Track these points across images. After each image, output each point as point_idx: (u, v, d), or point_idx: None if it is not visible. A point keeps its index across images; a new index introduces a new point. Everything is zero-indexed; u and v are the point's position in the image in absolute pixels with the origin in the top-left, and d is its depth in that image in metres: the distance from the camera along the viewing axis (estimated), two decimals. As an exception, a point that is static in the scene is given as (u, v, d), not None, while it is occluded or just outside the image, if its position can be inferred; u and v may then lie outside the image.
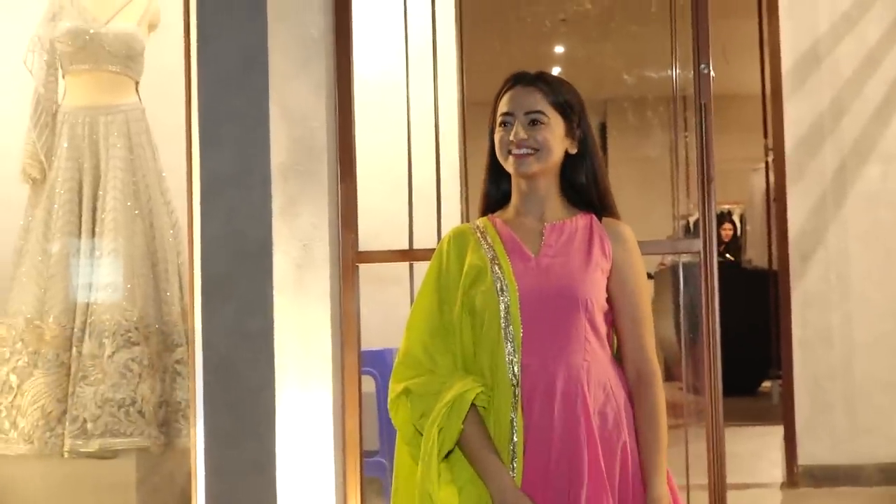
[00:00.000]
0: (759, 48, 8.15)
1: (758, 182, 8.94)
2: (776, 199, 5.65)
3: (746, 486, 4.98)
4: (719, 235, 9.44)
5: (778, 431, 5.91)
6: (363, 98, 4.41)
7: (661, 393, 2.42)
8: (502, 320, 2.35)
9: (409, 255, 4.25)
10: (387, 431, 4.83)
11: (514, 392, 2.31)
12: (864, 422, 5.24)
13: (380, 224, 4.46)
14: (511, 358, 2.33)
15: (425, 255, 4.20)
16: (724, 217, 9.57)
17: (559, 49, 10.44)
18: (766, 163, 9.06)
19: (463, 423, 2.28)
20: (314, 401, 4.14)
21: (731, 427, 4.00)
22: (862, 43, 5.33)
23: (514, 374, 2.32)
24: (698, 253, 3.86)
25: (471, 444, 2.31)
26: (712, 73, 3.98)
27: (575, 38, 9.85)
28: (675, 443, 3.81)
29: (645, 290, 2.48)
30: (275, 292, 3.98)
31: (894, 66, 5.33)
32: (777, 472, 5.51)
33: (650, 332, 2.46)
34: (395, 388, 2.41)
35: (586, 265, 2.40)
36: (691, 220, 9.69)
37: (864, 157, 5.33)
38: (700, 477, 4.00)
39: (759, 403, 8.62)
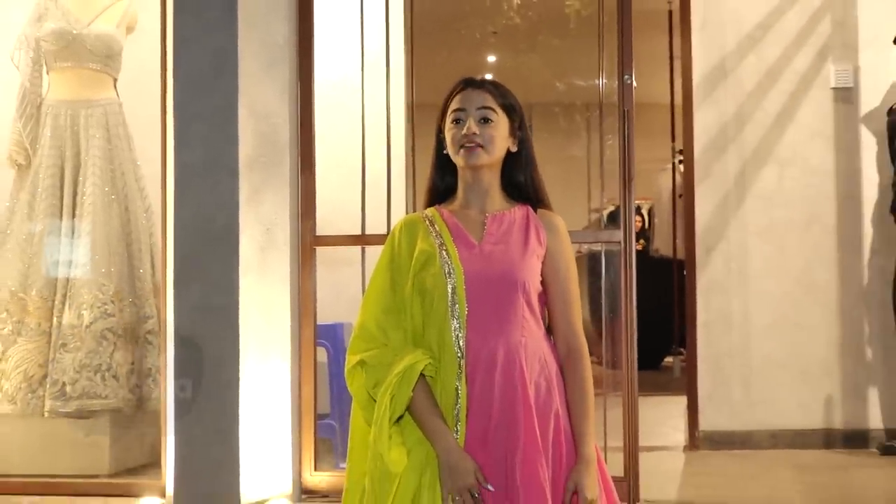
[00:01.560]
0: (668, 62, 8.57)
1: (665, 181, 9.29)
2: (684, 197, 6.01)
3: (652, 449, 5.28)
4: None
5: (679, 401, 6.29)
6: (322, 98, 4.64)
7: (588, 365, 2.56)
8: (449, 300, 2.49)
9: (362, 239, 4.51)
10: (337, 397, 5.06)
11: (459, 363, 2.45)
12: (757, 394, 5.56)
13: (335, 211, 4.70)
14: (457, 333, 2.47)
15: (376, 239, 4.48)
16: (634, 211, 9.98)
17: (492, 58, 10.78)
18: (673, 164, 9.51)
19: (412, 390, 2.42)
20: (274, 370, 4.39)
21: (638, 397, 4.36)
22: (763, 60, 5.64)
23: (459, 348, 2.46)
24: (619, 242, 4.22)
25: (419, 409, 2.44)
26: (634, 83, 4.32)
27: (506, 48, 10.18)
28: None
29: (574, 275, 2.62)
30: (240, 272, 4.24)
31: (790, 81, 5.63)
32: (680, 437, 5.84)
33: (578, 312, 2.61)
34: (351, 359, 2.54)
35: (524, 252, 2.54)
36: (604, 213, 10.09)
37: (762, 162, 5.62)
38: (615, 440, 4.37)
39: (661, 377, 9.02)
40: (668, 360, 9.56)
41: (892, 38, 5.35)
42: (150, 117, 4.83)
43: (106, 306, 4.97)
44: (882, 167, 5.59)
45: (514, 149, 2.64)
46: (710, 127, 5.68)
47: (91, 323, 4.93)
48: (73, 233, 5.07)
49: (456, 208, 2.64)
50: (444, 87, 2.67)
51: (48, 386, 4.89)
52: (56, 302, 5.00)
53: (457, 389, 2.46)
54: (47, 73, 5.25)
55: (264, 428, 4.35)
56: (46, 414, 4.89)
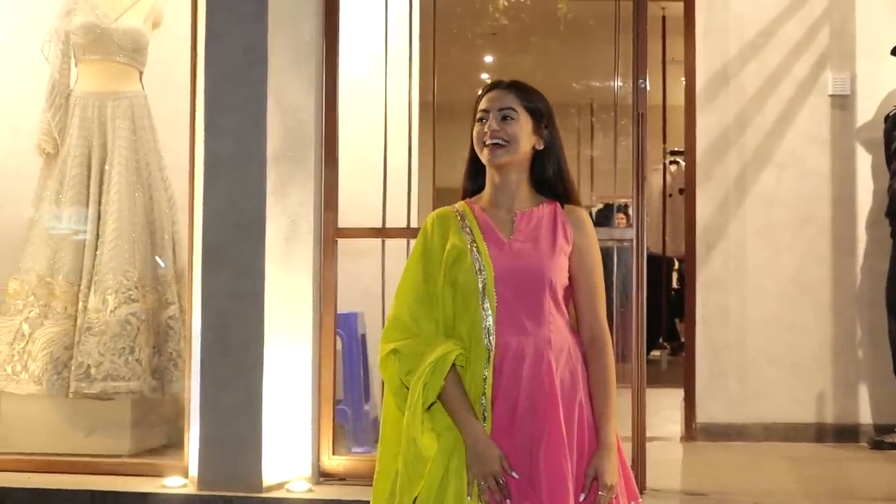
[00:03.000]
0: (660, 66, 8.65)
1: (656, 181, 9.37)
2: (686, 196, 6.04)
3: (650, 440, 5.31)
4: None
5: (668, 393, 6.32)
6: (345, 95, 4.65)
7: (611, 354, 2.58)
8: (480, 295, 2.51)
9: (383, 232, 4.51)
10: (349, 384, 5.07)
11: (489, 356, 2.48)
12: (752, 388, 5.59)
13: (352, 204, 4.70)
14: (487, 327, 2.50)
15: (396, 233, 4.54)
16: (620, 209, 9.95)
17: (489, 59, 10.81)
18: (664, 164, 9.57)
19: (444, 379, 2.45)
20: (296, 355, 4.39)
21: (627, 388, 4.34)
22: (764, 67, 5.67)
23: (489, 341, 2.49)
24: (631, 240, 4.26)
25: (450, 398, 2.47)
26: (648, 86, 4.35)
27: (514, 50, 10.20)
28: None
29: (599, 268, 2.64)
30: (266, 260, 4.27)
31: (790, 88, 5.67)
32: (675, 428, 5.84)
33: (602, 303, 2.62)
34: (384, 347, 2.56)
35: (552, 250, 2.56)
36: (594, 210, 10.17)
37: (761, 164, 5.66)
38: (621, 431, 4.40)
39: (650, 369, 8.98)
40: (655, 353, 9.60)
41: (890, 49, 5.39)
42: (174, 110, 4.85)
43: (130, 292, 4.97)
44: (877, 172, 5.63)
45: (539, 146, 2.65)
46: (712, 130, 5.71)
47: (115, 308, 4.92)
48: (98, 220, 5.05)
49: (485, 205, 2.66)
50: (457, 85, 2.71)
51: (73, 368, 4.88)
52: (82, 287, 4.99)
53: (485, 380, 2.48)
54: (76, 65, 5.23)
55: (286, 411, 4.36)
56: (71, 395, 4.88)
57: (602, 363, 2.57)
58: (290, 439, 4.38)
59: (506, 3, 8.29)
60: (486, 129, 2.59)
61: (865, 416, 5.64)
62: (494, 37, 9.74)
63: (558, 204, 2.67)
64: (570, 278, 2.61)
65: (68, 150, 5.13)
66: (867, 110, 5.69)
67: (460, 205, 2.69)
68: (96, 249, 5.03)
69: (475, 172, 2.72)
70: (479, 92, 2.69)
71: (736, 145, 5.73)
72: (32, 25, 5.42)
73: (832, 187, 5.71)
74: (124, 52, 5.19)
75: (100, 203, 5.09)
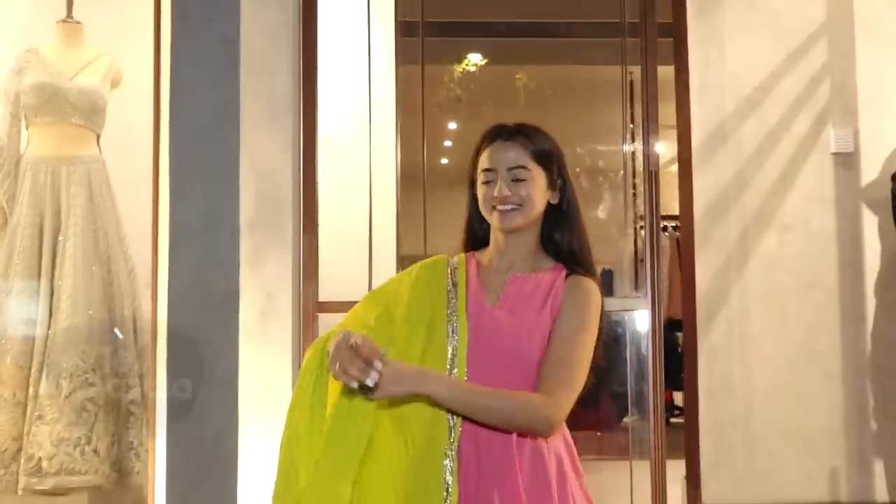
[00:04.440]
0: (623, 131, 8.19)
1: (627, 245, 8.91)
2: (684, 262, 5.58)
3: None
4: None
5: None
6: (322, 157, 4.23)
7: (532, 404, 2.07)
8: (448, 361, 2.13)
9: (369, 306, 4.05)
10: None
11: (451, 434, 2.11)
12: (761, 465, 5.12)
13: (337, 273, 4.24)
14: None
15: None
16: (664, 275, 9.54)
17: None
18: (635, 228, 9.06)
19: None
20: (274, 444, 3.87)
21: (606, 461, 3.84)
22: (763, 123, 5.26)
23: (451, 417, 2.10)
24: (646, 309, 3.80)
25: None
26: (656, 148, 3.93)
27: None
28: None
29: (583, 340, 2.14)
30: (241, 340, 3.79)
31: (791, 145, 5.26)
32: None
33: (571, 379, 2.10)
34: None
35: (534, 323, 2.15)
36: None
37: (763, 226, 5.23)
38: None
39: (622, 437, 8.46)
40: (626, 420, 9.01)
41: (897, 103, 5.00)
42: (134, 177, 4.32)
43: (86, 375, 4.36)
44: (884, 233, 5.18)
45: (554, 201, 2.23)
46: (709, 191, 5.26)
47: (70, 393, 4.30)
48: (51, 295, 4.45)
49: (485, 262, 2.26)
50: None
51: (23, 461, 4.24)
52: (32, 370, 4.35)
53: (445, 462, 2.11)
54: (27, 128, 4.65)
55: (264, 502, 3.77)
56: (20, 492, 4.22)
57: (522, 397, 2.09)
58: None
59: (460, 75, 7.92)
60: (495, 194, 2.17)
61: (882, 493, 5.13)
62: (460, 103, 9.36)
63: (565, 271, 2.22)
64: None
65: (18, 219, 4.52)
66: (872, 168, 5.25)
67: (459, 257, 2.29)
68: (49, 328, 4.41)
69: (479, 221, 2.31)
70: (479, 140, 2.25)
71: (735, 207, 5.28)
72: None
73: (838, 250, 5.25)
74: (80, 113, 4.62)
75: (53, 277, 4.47)
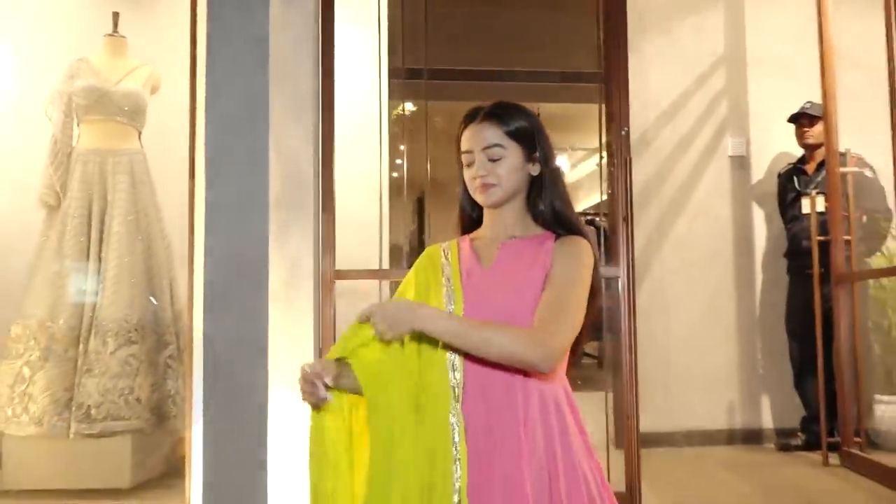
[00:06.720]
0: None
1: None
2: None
3: None
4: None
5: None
6: (340, 141, 3.48)
7: (531, 333, 1.43)
8: None
9: (379, 273, 3.29)
10: None
11: (454, 392, 1.51)
12: (675, 401, 4.49)
13: (354, 247, 3.51)
14: (452, 361, 1.52)
15: (395, 273, 3.34)
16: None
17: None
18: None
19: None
20: (299, 400, 3.14)
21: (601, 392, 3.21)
22: (676, 132, 4.63)
23: (454, 377, 1.51)
24: (617, 278, 3.14)
25: None
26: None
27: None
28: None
29: (574, 289, 1.49)
30: (269, 303, 3.05)
31: (697, 150, 4.63)
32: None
33: (566, 318, 1.46)
34: None
35: (524, 281, 1.55)
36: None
37: (676, 213, 4.60)
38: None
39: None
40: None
41: (786, 118, 4.41)
42: (170, 167, 3.54)
43: (130, 334, 3.56)
44: (770, 221, 4.62)
45: (535, 173, 1.64)
46: (636, 185, 4.59)
47: (115, 349, 3.51)
48: (98, 268, 3.63)
49: (480, 236, 1.69)
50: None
51: (73, 409, 3.44)
52: (82, 330, 3.55)
53: (451, 421, 1.50)
54: (78, 125, 3.82)
55: (293, 458, 3.02)
56: (72, 436, 3.42)
57: (516, 330, 1.44)
58: (294, 489, 3.04)
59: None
60: (473, 174, 1.60)
61: (767, 421, 4.57)
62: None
63: (553, 236, 1.61)
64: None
65: (69, 202, 3.70)
66: (760, 169, 4.68)
67: (451, 241, 1.71)
68: (97, 295, 3.59)
69: (471, 203, 1.71)
70: (460, 124, 1.66)
71: (655, 197, 4.64)
72: (37, 89, 4.00)
73: (734, 233, 4.66)
74: (124, 112, 3.80)
75: (100, 251, 3.66)
